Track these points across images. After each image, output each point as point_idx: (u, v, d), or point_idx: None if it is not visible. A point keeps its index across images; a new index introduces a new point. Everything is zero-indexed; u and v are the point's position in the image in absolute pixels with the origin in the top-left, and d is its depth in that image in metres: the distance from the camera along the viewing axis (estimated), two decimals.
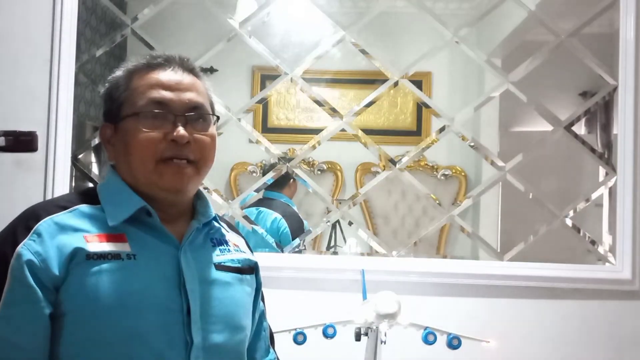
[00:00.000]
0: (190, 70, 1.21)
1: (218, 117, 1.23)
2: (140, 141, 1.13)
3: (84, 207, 1.12)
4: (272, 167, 2.28)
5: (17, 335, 1.02)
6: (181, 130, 1.13)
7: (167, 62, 1.19)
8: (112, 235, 1.10)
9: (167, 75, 1.17)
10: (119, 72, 1.20)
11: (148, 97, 1.14)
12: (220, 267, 1.20)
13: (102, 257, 1.07)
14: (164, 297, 1.09)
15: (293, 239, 3.20)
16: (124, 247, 1.09)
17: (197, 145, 1.15)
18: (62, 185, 2.05)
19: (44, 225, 1.06)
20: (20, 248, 1.03)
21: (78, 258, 1.05)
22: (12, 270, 1.03)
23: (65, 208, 1.10)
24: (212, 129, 1.20)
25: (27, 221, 1.07)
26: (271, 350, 1.35)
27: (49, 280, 1.03)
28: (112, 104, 1.18)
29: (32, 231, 1.05)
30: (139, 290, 1.07)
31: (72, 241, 1.06)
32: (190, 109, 1.16)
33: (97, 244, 1.08)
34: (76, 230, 1.08)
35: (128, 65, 1.20)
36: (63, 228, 1.07)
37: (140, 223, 1.13)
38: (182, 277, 1.12)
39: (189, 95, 1.17)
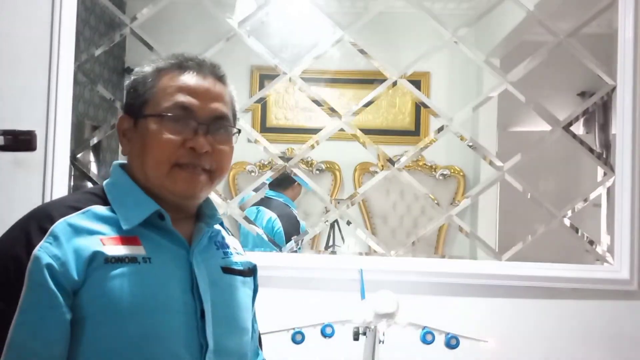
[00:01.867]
0: (220, 78, 1.20)
1: (239, 130, 1.23)
2: (159, 143, 1.12)
3: (96, 209, 1.10)
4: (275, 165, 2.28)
5: (37, 341, 0.99)
6: (201, 139, 1.12)
7: (199, 66, 1.18)
8: (127, 238, 1.08)
9: (197, 80, 1.16)
10: (147, 68, 1.18)
11: (174, 100, 1.13)
12: (226, 270, 1.21)
13: (119, 260, 1.05)
14: (180, 300, 1.09)
15: (287, 240, 3.21)
16: (139, 251, 1.08)
17: (215, 156, 1.15)
18: (61, 185, 2.04)
19: (59, 227, 1.03)
20: (37, 251, 1.00)
21: (97, 262, 1.03)
22: (31, 274, 0.99)
23: (76, 209, 1.08)
24: (232, 141, 1.20)
25: (39, 222, 1.04)
26: (259, 351, 1.36)
27: (69, 284, 1.01)
28: (136, 99, 1.17)
29: (47, 233, 1.02)
30: (157, 294, 1.07)
31: (89, 244, 1.04)
32: (214, 119, 1.16)
33: (113, 247, 1.06)
34: (91, 232, 1.06)
35: (158, 63, 1.18)
36: (78, 230, 1.05)
37: (152, 225, 1.12)
38: (194, 280, 1.12)
39: (214, 105, 1.16)
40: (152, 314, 1.05)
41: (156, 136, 1.12)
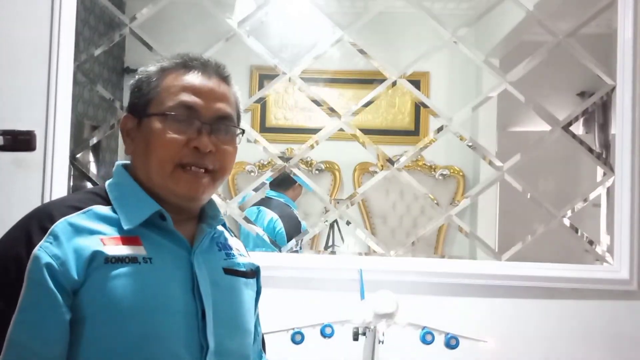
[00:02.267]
0: (224, 78, 1.20)
1: (243, 131, 1.23)
2: (162, 143, 1.12)
3: (97, 208, 1.10)
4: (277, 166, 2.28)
5: (36, 341, 0.98)
6: (205, 138, 1.12)
7: (204, 66, 1.18)
8: (127, 238, 1.08)
9: (201, 80, 1.16)
10: (152, 67, 1.18)
11: (178, 100, 1.13)
12: (228, 271, 1.20)
13: (120, 260, 1.05)
14: (181, 300, 1.09)
15: (288, 240, 3.22)
16: (139, 251, 1.08)
17: (218, 155, 1.15)
18: (60, 185, 2.04)
19: (60, 226, 1.03)
20: (37, 250, 1.00)
21: (97, 262, 1.03)
22: (30, 273, 0.99)
23: (78, 208, 1.08)
24: (236, 141, 1.20)
25: (40, 221, 1.04)
26: (263, 354, 1.35)
27: (69, 284, 1.00)
28: (140, 98, 1.17)
29: (48, 233, 1.02)
30: (158, 294, 1.06)
31: (89, 244, 1.04)
32: (218, 119, 1.15)
33: (114, 247, 1.06)
34: (92, 232, 1.06)
35: (163, 62, 1.18)
36: (78, 230, 1.05)
37: (153, 225, 1.12)
38: (195, 280, 1.11)
39: (219, 105, 1.16)
40: (152, 314, 1.04)
41: (160, 135, 1.12)
